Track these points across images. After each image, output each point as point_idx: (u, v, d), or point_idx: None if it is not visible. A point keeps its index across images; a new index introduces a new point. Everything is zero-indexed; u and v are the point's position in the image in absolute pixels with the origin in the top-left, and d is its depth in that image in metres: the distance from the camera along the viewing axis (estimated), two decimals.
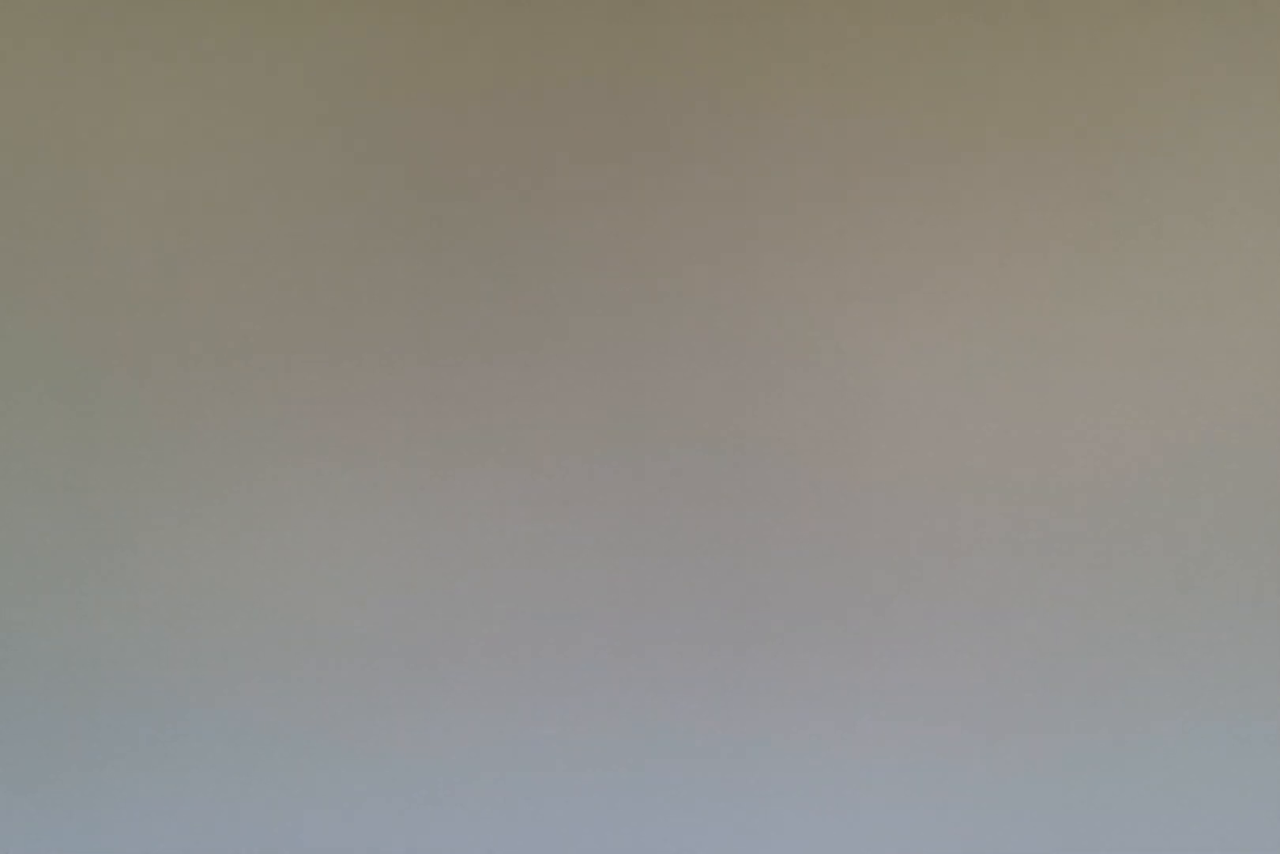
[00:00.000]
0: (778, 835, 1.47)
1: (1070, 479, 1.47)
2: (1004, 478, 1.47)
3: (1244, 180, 1.49)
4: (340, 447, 1.46)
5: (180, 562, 1.45)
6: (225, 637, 1.45)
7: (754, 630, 1.47)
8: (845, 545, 1.47)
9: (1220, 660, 1.47)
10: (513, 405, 1.47)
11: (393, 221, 1.47)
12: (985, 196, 1.48)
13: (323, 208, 1.47)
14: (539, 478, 1.47)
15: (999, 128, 1.49)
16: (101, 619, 1.44)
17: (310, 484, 1.45)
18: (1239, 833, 1.47)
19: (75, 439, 1.45)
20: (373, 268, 1.47)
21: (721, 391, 1.47)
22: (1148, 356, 1.48)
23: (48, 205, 1.45)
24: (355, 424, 1.46)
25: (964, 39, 1.49)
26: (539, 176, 1.47)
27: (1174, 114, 1.49)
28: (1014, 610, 1.47)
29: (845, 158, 1.48)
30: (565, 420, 1.47)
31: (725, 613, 1.47)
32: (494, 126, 1.48)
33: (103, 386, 1.45)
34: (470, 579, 1.46)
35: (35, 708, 1.44)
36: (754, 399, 1.47)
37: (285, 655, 1.45)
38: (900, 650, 1.47)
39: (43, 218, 1.45)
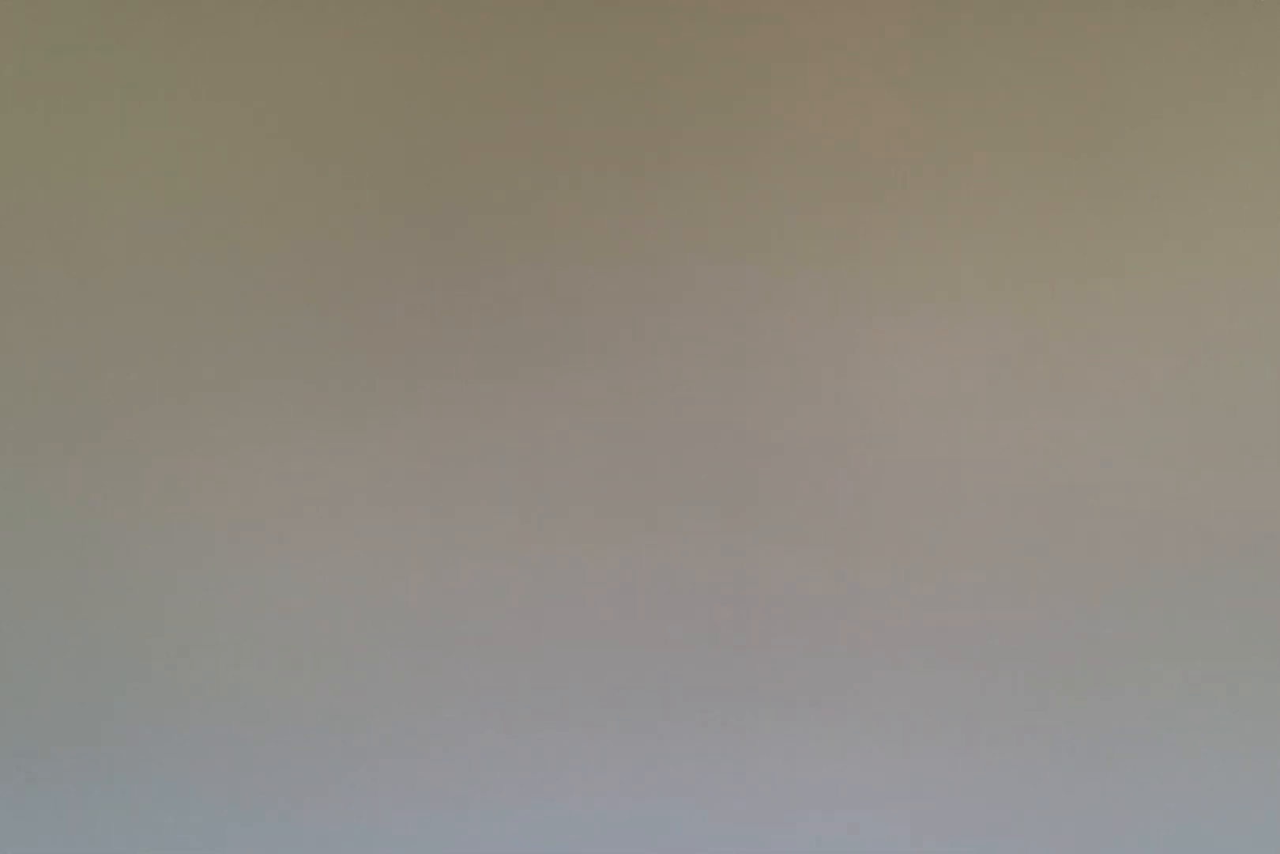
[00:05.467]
0: None
1: (1081, 492, 1.47)
2: (1021, 509, 1.47)
3: (1245, 181, 1.49)
4: (342, 455, 1.46)
5: (183, 563, 1.45)
6: (229, 638, 1.45)
7: (761, 659, 1.47)
8: (857, 579, 1.47)
9: (1227, 671, 1.47)
10: (517, 417, 1.47)
11: (398, 228, 1.47)
12: (991, 204, 1.48)
13: (328, 215, 1.47)
14: (546, 496, 1.47)
15: (1006, 135, 1.49)
16: (103, 619, 1.44)
17: (315, 491, 1.46)
18: (1242, 842, 1.47)
19: (79, 439, 1.45)
20: (377, 275, 1.47)
21: (732, 413, 1.47)
22: (1156, 366, 1.48)
23: (47, 213, 1.45)
24: (357, 430, 1.46)
25: (966, 42, 1.49)
26: (545, 185, 1.47)
27: (1175, 117, 1.49)
28: (1036, 647, 1.47)
29: (850, 164, 1.48)
30: (571, 437, 1.47)
31: (731, 633, 1.47)
32: (500, 134, 1.47)
33: (106, 389, 1.45)
34: (474, 596, 1.46)
35: (37, 708, 1.44)
36: (764, 419, 1.47)
37: (288, 660, 1.45)
38: (912, 691, 1.47)
39: (44, 225, 1.45)
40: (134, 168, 1.46)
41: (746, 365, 1.47)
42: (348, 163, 1.47)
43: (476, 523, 1.46)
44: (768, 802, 1.46)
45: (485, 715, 1.45)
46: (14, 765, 1.43)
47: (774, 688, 1.46)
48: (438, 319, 1.46)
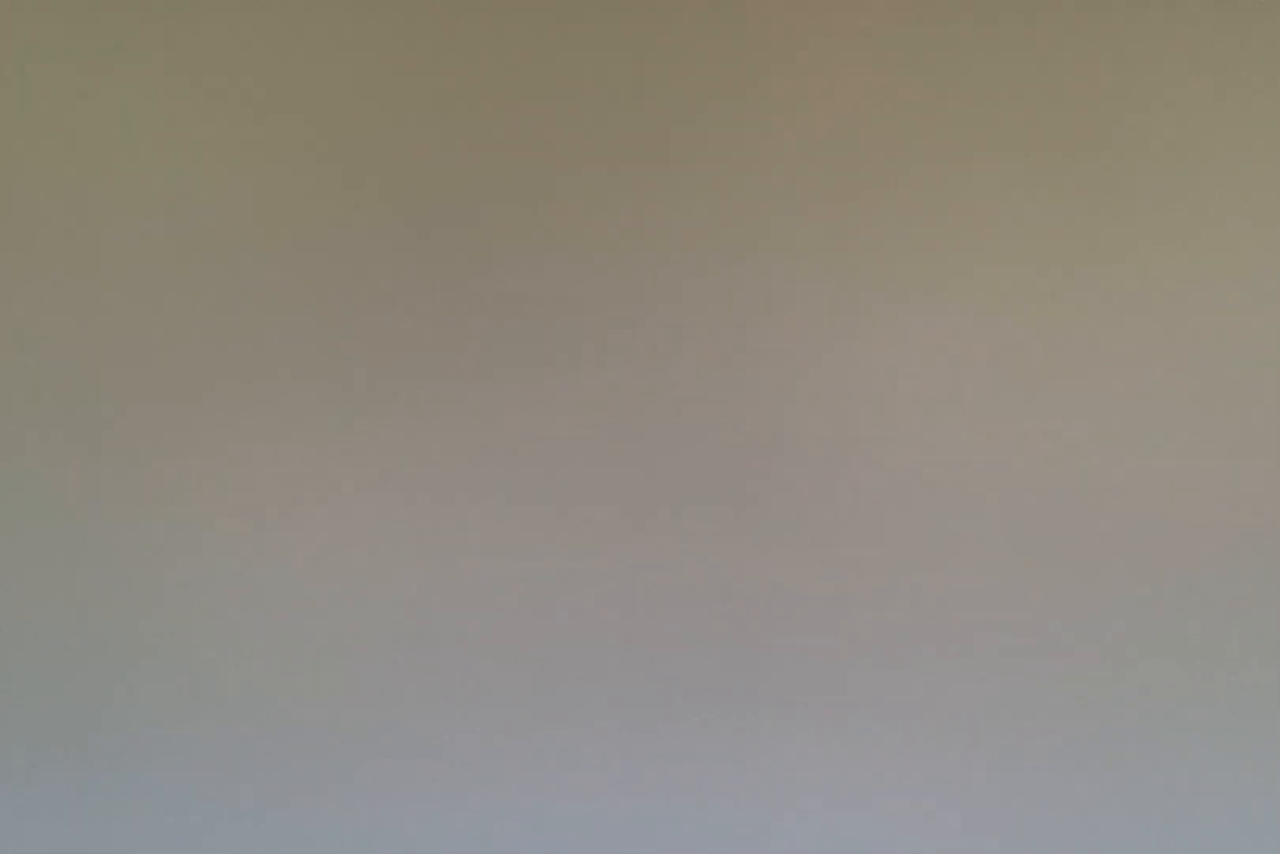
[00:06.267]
0: None
1: (1082, 491, 1.47)
2: (1021, 508, 1.47)
3: (1246, 181, 1.49)
4: (342, 454, 1.46)
5: (183, 563, 1.45)
6: (229, 637, 1.45)
7: (761, 659, 1.47)
8: (857, 579, 1.47)
9: (1227, 671, 1.47)
10: (517, 416, 1.47)
11: (398, 227, 1.47)
12: (989, 202, 1.48)
13: (328, 215, 1.47)
14: (546, 495, 1.47)
15: (1004, 133, 1.49)
16: (102, 618, 1.44)
17: (315, 490, 1.46)
18: (1242, 842, 1.47)
19: (80, 439, 1.45)
20: (377, 275, 1.47)
21: (732, 413, 1.47)
22: (1156, 365, 1.48)
23: (47, 213, 1.46)
24: (357, 430, 1.46)
25: (966, 43, 1.49)
26: (545, 185, 1.47)
27: (1174, 115, 1.49)
28: (1036, 647, 1.47)
29: (850, 163, 1.48)
30: (570, 437, 1.47)
31: (733, 634, 1.47)
32: (500, 134, 1.48)
33: (105, 388, 1.45)
34: (473, 594, 1.46)
35: (36, 707, 1.44)
36: (764, 419, 1.47)
37: (288, 660, 1.45)
38: (912, 691, 1.47)
39: (44, 225, 1.46)
40: (134, 168, 1.46)
41: (746, 365, 1.47)
42: (348, 163, 1.47)
43: (476, 522, 1.46)
44: (767, 801, 1.46)
45: (485, 715, 1.45)
46: (13, 764, 1.43)
47: (774, 688, 1.46)
48: (438, 319, 1.46)
